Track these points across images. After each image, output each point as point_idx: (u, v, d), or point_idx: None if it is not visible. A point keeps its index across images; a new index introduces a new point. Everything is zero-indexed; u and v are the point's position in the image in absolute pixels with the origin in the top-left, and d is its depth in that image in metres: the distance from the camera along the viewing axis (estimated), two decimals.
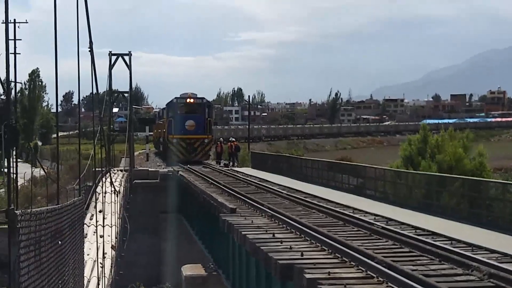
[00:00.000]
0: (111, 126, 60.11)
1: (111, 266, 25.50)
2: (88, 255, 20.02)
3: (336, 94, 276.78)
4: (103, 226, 26.70)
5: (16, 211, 6.04)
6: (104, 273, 22.31)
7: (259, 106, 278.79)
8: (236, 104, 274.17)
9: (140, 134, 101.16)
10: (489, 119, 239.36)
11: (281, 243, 18.49)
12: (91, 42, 22.40)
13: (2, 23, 11.74)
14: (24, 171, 53.44)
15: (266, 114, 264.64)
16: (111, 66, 58.31)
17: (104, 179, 41.13)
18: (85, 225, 21.32)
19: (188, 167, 53.84)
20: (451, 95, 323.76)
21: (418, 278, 12.89)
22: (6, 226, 5.87)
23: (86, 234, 21.83)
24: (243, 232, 20.70)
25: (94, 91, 24.74)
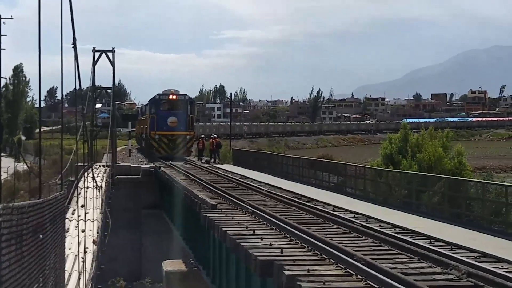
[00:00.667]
0: (94, 122, 60.08)
1: (92, 261, 25.45)
2: (69, 249, 19.99)
3: (318, 92, 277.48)
4: (85, 221, 26.68)
5: None
6: (85, 268, 22.27)
7: (241, 103, 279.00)
8: (218, 101, 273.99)
9: (122, 130, 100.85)
10: (469, 119, 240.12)
11: (261, 239, 18.52)
12: (74, 39, 22.37)
13: None
14: (7, 166, 53.31)
15: (248, 111, 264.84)
16: (94, 62, 58.46)
17: (86, 174, 41.09)
18: (66, 220, 21.29)
19: (170, 163, 53.81)
20: (432, 94, 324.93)
21: (396, 276, 12.94)
22: None
23: (68, 228, 21.79)
24: (223, 229, 20.72)
25: (77, 87, 24.72)
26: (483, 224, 23.18)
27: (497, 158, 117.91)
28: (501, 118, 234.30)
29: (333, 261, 15.26)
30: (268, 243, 17.80)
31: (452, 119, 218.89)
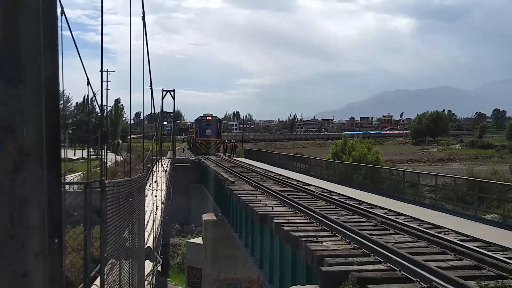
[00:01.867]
0: (162, 132, 60.18)
1: (161, 214, 25.48)
2: (147, 207, 20.01)
3: (294, 116, 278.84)
4: (157, 190, 26.67)
5: (105, 181, 6.01)
6: (157, 218, 22.27)
7: (248, 122, 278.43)
8: (235, 120, 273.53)
9: (179, 137, 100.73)
10: (382, 132, 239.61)
11: (260, 202, 18.53)
12: (151, 83, 22.32)
13: (99, 71, 11.76)
14: (111, 158, 53.32)
15: (253, 126, 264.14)
16: (162, 97, 58.77)
17: (157, 163, 41.03)
18: (146, 189, 21.30)
19: (207, 157, 53.81)
20: (360, 117, 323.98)
21: (339, 223, 12.94)
22: (99, 190, 5.86)
23: (147, 194, 21.80)
24: (238, 195, 20.73)
25: (153, 111, 24.71)
26: (390, 193, 23.19)
27: (398, 155, 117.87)
28: (401, 132, 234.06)
29: (302, 214, 15.26)
30: (264, 204, 17.81)
31: (372, 132, 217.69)
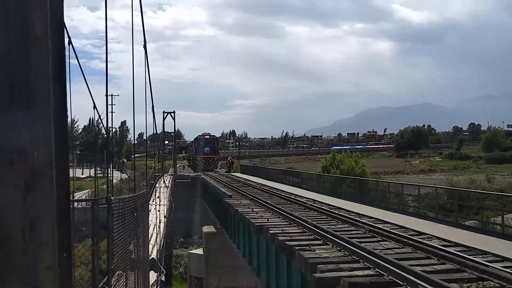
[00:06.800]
0: (164, 151, 60.07)
1: (164, 227, 25.30)
2: (151, 221, 19.89)
3: (286, 133, 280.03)
4: (160, 205, 26.54)
5: (111, 197, 5.98)
6: (160, 231, 22.13)
7: (244, 139, 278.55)
8: (232, 138, 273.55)
9: (179, 155, 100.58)
10: (368, 146, 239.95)
11: (256, 214, 18.46)
12: (152, 106, 22.34)
13: (104, 95, 11.76)
14: (116, 175, 53.11)
15: (248, 144, 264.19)
16: (164, 118, 58.78)
17: (160, 179, 40.87)
18: (149, 205, 21.21)
19: (206, 173, 53.69)
20: (347, 133, 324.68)
21: (330, 232, 12.90)
22: (106, 206, 5.83)
23: (150, 209, 21.69)
24: (235, 208, 20.65)
25: (155, 132, 24.65)
26: (376, 203, 23.15)
27: (383, 167, 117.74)
28: (385, 146, 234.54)
29: (295, 225, 15.21)
30: (260, 216, 17.75)
31: (358, 147, 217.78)
